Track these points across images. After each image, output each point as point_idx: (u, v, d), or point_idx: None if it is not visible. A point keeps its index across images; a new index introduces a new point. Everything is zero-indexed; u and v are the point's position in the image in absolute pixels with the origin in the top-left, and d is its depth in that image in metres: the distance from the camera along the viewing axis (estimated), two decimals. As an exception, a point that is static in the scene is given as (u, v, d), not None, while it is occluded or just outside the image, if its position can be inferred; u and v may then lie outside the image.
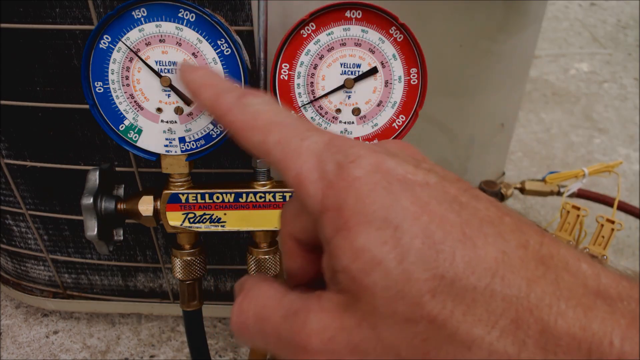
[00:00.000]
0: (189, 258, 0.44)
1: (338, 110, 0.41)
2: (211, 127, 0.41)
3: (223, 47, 0.38)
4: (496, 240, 0.16)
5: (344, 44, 0.39)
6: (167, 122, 0.40)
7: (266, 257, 0.44)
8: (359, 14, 0.39)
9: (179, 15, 0.38)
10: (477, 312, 0.15)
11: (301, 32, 0.39)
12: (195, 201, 0.41)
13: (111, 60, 0.38)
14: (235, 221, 0.42)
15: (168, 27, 0.38)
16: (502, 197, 0.78)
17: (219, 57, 0.39)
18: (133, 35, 0.38)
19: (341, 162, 0.18)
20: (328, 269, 0.19)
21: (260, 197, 0.42)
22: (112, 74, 0.39)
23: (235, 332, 0.21)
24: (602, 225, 0.62)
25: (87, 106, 0.40)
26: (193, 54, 0.39)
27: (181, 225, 0.42)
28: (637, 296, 0.15)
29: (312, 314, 0.18)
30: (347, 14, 0.39)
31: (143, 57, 0.38)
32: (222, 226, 0.42)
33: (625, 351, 0.14)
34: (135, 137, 0.41)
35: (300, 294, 0.20)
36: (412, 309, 0.16)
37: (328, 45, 0.39)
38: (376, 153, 0.18)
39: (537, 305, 0.15)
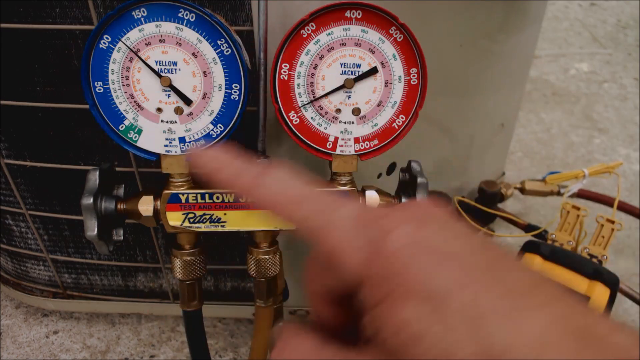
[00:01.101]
0: (189, 258, 0.44)
1: (338, 110, 0.41)
2: (211, 127, 0.41)
3: (223, 47, 0.38)
4: (539, 313, 0.16)
5: (344, 44, 0.39)
6: (167, 122, 0.40)
7: (266, 257, 0.44)
8: (359, 14, 0.39)
9: (179, 15, 0.38)
10: None
11: (301, 32, 0.39)
12: (195, 201, 0.41)
13: (111, 60, 0.38)
14: (235, 221, 0.42)
15: (168, 27, 0.38)
16: (502, 197, 0.78)
17: (219, 57, 0.39)
18: (133, 35, 0.38)
19: (379, 234, 0.19)
20: (368, 331, 0.19)
21: (260, 197, 0.42)
22: (112, 74, 0.39)
23: None
24: (602, 225, 0.62)
25: (87, 106, 0.40)
26: (193, 54, 0.39)
27: (181, 225, 0.42)
28: None
29: None
30: (347, 14, 0.39)
31: (143, 57, 0.38)
32: (222, 226, 0.42)
33: None
34: (135, 137, 0.41)
35: (339, 347, 0.20)
36: None
37: (328, 45, 0.39)
38: (410, 222, 0.19)
39: None
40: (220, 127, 0.40)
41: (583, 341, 0.16)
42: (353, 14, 0.39)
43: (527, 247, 0.57)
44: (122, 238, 0.44)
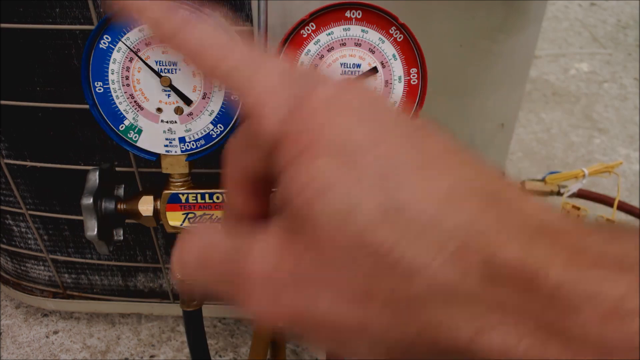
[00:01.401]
0: (189, 258, 0.44)
1: (338, 110, 0.41)
2: (211, 127, 0.41)
3: (223, 47, 0.38)
4: (447, 172, 0.16)
5: (344, 44, 0.39)
6: (167, 122, 0.40)
7: (266, 257, 0.44)
8: (359, 14, 0.39)
9: (179, 15, 0.38)
10: (422, 241, 0.15)
11: (301, 32, 0.39)
12: (195, 201, 0.41)
13: (111, 60, 0.38)
14: (235, 221, 0.42)
15: (168, 27, 0.38)
16: (502, 197, 0.77)
17: (219, 57, 0.39)
18: (133, 35, 0.38)
19: (302, 90, 0.18)
20: (279, 202, 0.18)
21: (260, 197, 0.42)
22: (112, 74, 0.39)
23: (174, 267, 0.20)
24: (602, 225, 0.61)
25: (87, 106, 0.40)
26: (193, 54, 0.39)
27: (181, 225, 0.42)
28: (578, 231, 0.15)
29: (255, 244, 0.17)
30: (347, 14, 0.39)
31: (143, 57, 0.38)
32: (222, 226, 0.42)
33: (561, 283, 0.14)
34: (135, 137, 0.41)
35: (246, 229, 0.19)
36: (356, 238, 0.15)
37: (328, 45, 0.39)
38: (338, 83, 0.18)
39: (482, 235, 0.15)
40: (221, 127, 0.40)
41: (487, 202, 0.15)
42: (353, 14, 0.39)
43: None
44: (122, 238, 0.44)
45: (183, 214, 0.42)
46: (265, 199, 0.21)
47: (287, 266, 0.17)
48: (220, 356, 0.68)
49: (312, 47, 0.39)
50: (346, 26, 0.39)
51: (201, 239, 0.20)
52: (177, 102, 0.40)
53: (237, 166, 0.21)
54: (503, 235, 0.15)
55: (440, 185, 0.15)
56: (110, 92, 0.39)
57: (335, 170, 0.16)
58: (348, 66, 0.40)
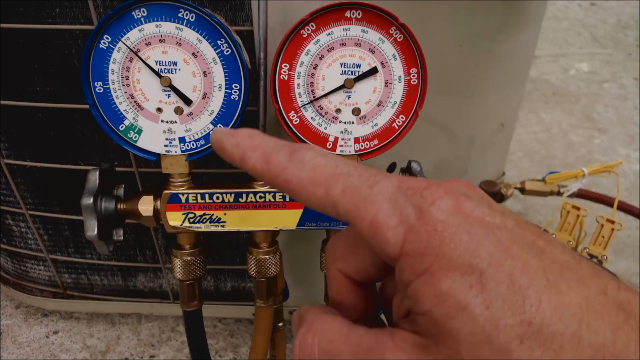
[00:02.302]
0: (189, 258, 0.44)
1: (338, 110, 0.41)
2: (211, 127, 0.41)
3: (223, 47, 0.38)
4: (578, 286, 0.16)
5: (344, 44, 0.39)
6: (167, 122, 0.40)
7: (266, 257, 0.44)
8: (359, 14, 0.39)
9: (179, 15, 0.38)
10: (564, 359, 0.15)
11: (301, 32, 0.39)
12: (195, 201, 0.41)
13: (111, 60, 0.38)
14: (235, 221, 0.42)
15: (168, 27, 0.38)
16: (502, 197, 0.78)
17: (219, 57, 0.39)
18: (133, 35, 0.38)
19: (420, 205, 0.18)
20: (401, 309, 0.19)
21: (260, 197, 0.42)
22: (112, 74, 0.39)
23: None
24: (602, 225, 0.62)
25: (87, 106, 0.40)
26: (193, 54, 0.39)
27: (181, 225, 0.42)
28: None
29: (388, 352, 0.18)
30: (347, 14, 0.39)
31: (143, 57, 0.38)
32: (222, 226, 0.42)
33: None
34: (135, 137, 0.41)
35: (368, 329, 0.19)
36: (499, 355, 0.16)
37: (328, 45, 0.39)
38: (452, 194, 0.18)
39: (622, 352, 0.15)
40: (220, 127, 0.40)
41: (624, 312, 0.16)
42: (353, 14, 0.39)
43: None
44: (122, 238, 0.44)
45: (183, 214, 0.42)
46: (368, 297, 0.22)
47: None
48: (220, 356, 0.68)
49: (312, 47, 0.39)
50: (346, 26, 0.39)
51: (324, 333, 0.20)
52: (177, 102, 0.40)
53: (343, 268, 0.22)
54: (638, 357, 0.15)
55: (573, 300, 0.16)
56: (110, 92, 0.39)
57: (468, 288, 0.16)
58: (348, 66, 0.40)
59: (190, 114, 0.40)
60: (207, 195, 0.41)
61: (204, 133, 0.41)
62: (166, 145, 0.41)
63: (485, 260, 0.17)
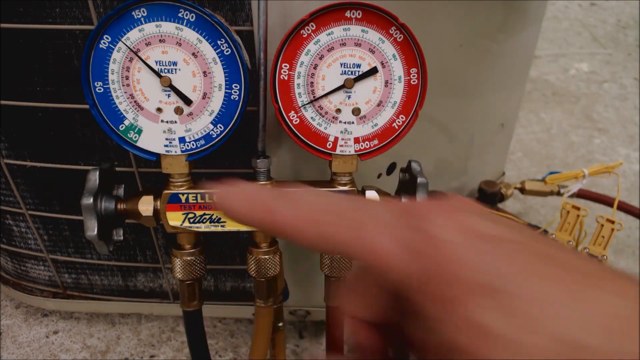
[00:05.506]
0: (189, 258, 0.44)
1: (338, 110, 0.41)
2: (211, 127, 0.41)
3: (223, 47, 0.38)
4: (601, 294, 0.16)
5: (344, 44, 0.39)
6: (167, 122, 0.40)
7: (266, 257, 0.44)
8: (359, 14, 0.39)
9: (179, 15, 0.38)
10: None
11: (301, 32, 0.39)
12: (195, 201, 0.41)
13: (111, 60, 0.38)
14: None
15: (168, 27, 0.38)
16: (502, 197, 0.78)
17: (219, 57, 0.39)
18: (133, 35, 0.38)
19: (421, 227, 0.17)
20: (422, 341, 0.18)
21: (260, 197, 0.42)
22: (112, 74, 0.39)
23: None
24: (602, 225, 0.62)
25: (87, 106, 0.40)
26: (193, 54, 0.39)
27: (181, 225, 0.42)
28: None
29: None
30: (347, 14, 0.39)
31: (143, 57, 0.38)
32: (222, 226, 0.42)
33: None
34: (135, 137, 0.41)
35: None
36: None
37: (328, 45, 0.39)
38: (451, 211, 0.18)
39: None
40: (220, 127, 0.40)
41: None
42: (353, 14, 0.39)
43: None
44: (122, 238, 0.44)
45: (183, 214, 0.42)
46: (386, 334, 0.21)
47: None
48: (220, 356, 0.68)
49: (312, 47, 0.39)
50: (346, 26, 0.39)
51: None
52: (177, 102, 0.40)
53: (355, 311, 0.21)
54: None
55: (600, 310, 0.15)
56: (110, 92, 0.39)
57: (490, 311, 0.16)
58: (348, 66, 0.40)
59: (190, 114, 0.40)
60: (207, 195, 0.41)
61: (204, 133, 0.41)
62: (166, 145, 0.41)
63: (502, 278, 0.16)
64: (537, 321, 0.15)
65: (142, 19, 0.38)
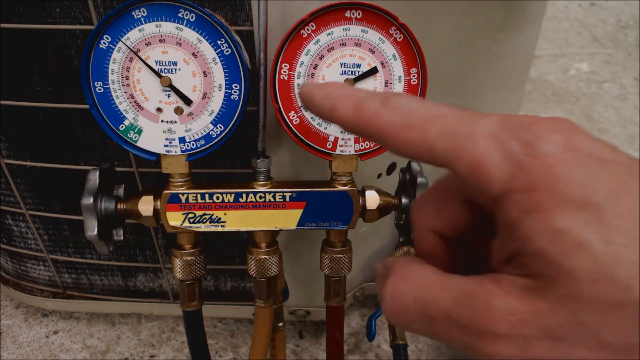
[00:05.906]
0: (189, 258, 0.44)
1: (338, 110, 0.41)
2: (211, 127, 0.41)
3: (223, 47, 0.38)
4: None
5: (344, 44, 0.39)
6: (167, 122, 0.40)
7: (266, 257, 0.44)
8: (359, 14, 0.39)
9: (179, 15, 0.38)
10: None
11: (301, 32, 0.39)
12: (195, 201, 0.41)
13: (111, 60, 0.38)
14: (235, 221, 0.42)
15: (168, 27, 0.38)
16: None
17: (219, 57, 0.39)
18: (133, 35, 0.38)
19: (529, 140, 0.17)
20: (504, 252, 0.18)
21: (260, 197, 0.42)
22: (112, 74, 0.39)
23: (390, 316, 0.20)
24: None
25: (87, 106, 0.40)
26: (193, 54, 0.39)
27: (181, 225, 0.42)
28: None
29: (494, 298, 0.17)
30: (347, 14, 0.39)
31: (143, 57, 0.38)
32: (222, 226, 0.42)
33: None
34: (135, 137, 0.41)
35: (465, 277, 0.19)
36: (622, 292, 0.15)
37: (328, 45, 0.39)
38: (562, 130, 0.18)
39: None
40: (220, 127, 0.40)
41: None
42: (353, 14, 0.39)
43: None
44: (122, 238, 0.44)
45: (183, 214, 0.42)
46: (457, 251, 0.22)
47: (536, 320, 0.17)
48: (220, 356, 0.68)
49: (312, 47, 0.39)
50: (346, 26, 0.39)
51: (417, 280, 0.19)
52: (177, 102, 0.40)
53: (434, 225, 0.21)
54: None
55: None
56: (110, 92, 0.39)
57: (585, 224, 0.16)
58: (348, 66, 0.40)
59: (190, 114, 0.40)
60: (207, 195, 0.41)
61: (204, 133, 0.41)
62: (166, 145, 0.41)
63: (602, 194, 0.16)
64: (630, 238, 0.15)
65: (142, 19, 0.38)
